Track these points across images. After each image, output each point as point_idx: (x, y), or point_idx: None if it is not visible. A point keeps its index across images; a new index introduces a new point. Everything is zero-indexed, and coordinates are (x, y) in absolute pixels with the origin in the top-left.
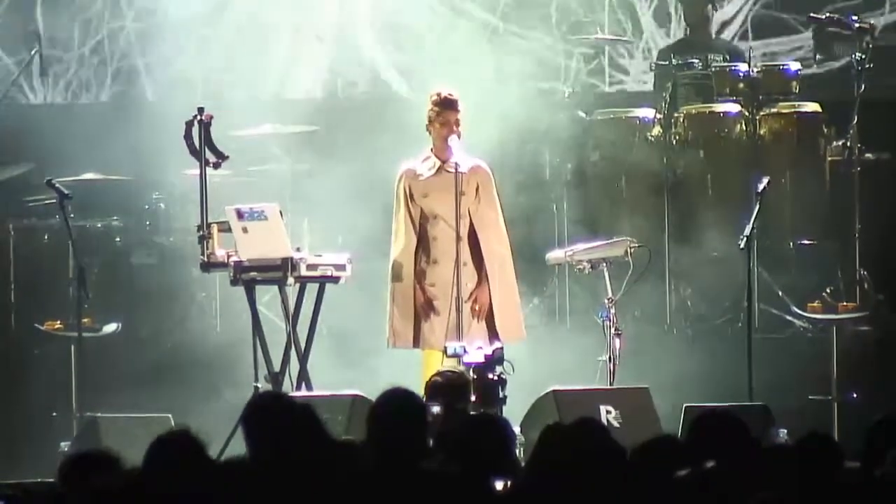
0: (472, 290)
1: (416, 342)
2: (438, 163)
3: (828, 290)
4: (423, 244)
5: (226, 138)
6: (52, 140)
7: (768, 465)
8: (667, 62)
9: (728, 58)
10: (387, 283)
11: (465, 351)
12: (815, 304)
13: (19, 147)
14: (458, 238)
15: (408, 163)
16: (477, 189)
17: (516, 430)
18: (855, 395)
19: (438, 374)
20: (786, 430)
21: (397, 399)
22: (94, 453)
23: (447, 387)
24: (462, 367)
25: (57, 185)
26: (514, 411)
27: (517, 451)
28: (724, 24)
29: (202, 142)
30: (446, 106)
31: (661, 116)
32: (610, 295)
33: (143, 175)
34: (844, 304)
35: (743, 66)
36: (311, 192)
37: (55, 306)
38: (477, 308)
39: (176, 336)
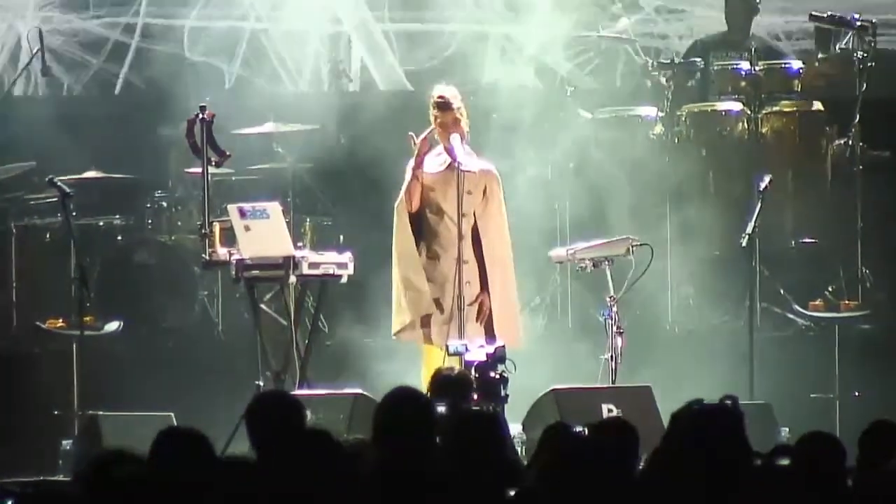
0: (478, 294)
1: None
2: (448, 160)
3: (830, 289)
4: (424, 238)
5: (228, 137)
6: (53, 138)
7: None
8: (699, 58)
9: (763, 56)
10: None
11: (466, 349)
12: (817, 303)
13: (21, 145)
14: (461, 236)
15: (429, 139)
16: (485, 191)
17: (518, 428)
18: (857, 394)
19: (440, 371)
20: (788, 429)
21: (404, 398)
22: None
23: (450, 385)
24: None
25: (58, 183)
26: (516, 410)
27: (519, 449)
28: None
29: (204, 140)
30: (441, 108)
31: (663, 115)
32: (612, 293)
33: (145, 173)
34: (846, 302)
35: (745, 65)
36: (313, 190)
37: (57, 305)
38: (483, 311)
39: (177, 334)
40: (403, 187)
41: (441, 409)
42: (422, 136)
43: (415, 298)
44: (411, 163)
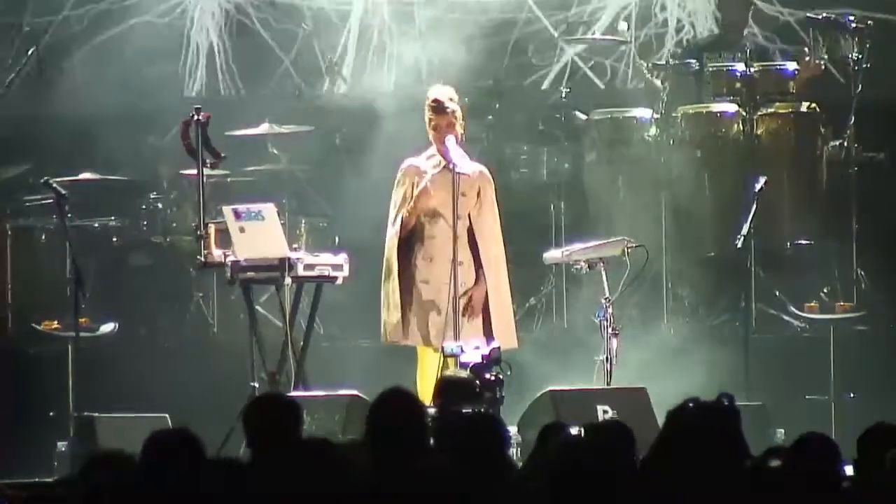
0: (469, 289)
1: (407, 337)
2: (443, 162)
3: (825, 290)
4: (419, 241)
5: (223, 138)
6: (49, 139)
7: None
8: (695, 59)
9: (758, 57)
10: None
11: (461, 350)
12: (812, 304)
13: (17, 147)
14: (456, 238)
15: (411, 159)
16: (478, 193)
17: (513, 429)
18: (852, 395)
19: (446, 375)
20: (783, 430)
21: (397, 399)
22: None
23: (455, 388)
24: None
25: (54, 184)
26: (511, 411)
27: (514, 450)
28: None
29: (199, 141)
30: (436, 111)
31: (659, 116)
32: (607, 294)
33: (140, 175)
34: (842, 303)
35: (740, 66)
36: (309, 191)
37: (52, 306)
38: (472, 305)
39: (173, 336)
40: (395, 227)
41: (430, 410)
42: (420, 186)
43: (395, 321)
44: (396, 197)
